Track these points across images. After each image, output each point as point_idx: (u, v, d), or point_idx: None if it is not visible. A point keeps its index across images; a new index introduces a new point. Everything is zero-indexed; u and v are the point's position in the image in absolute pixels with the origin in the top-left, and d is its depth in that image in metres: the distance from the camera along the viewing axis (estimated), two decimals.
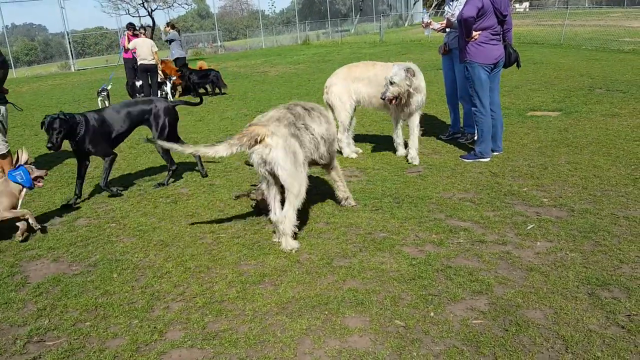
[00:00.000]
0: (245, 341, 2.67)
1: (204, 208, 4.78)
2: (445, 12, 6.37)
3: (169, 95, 12.27)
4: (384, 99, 5.43)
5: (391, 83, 5.32)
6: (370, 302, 2.95)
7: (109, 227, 4.46)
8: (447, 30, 6.31)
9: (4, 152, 5.59)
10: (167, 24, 14.79)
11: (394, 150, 6.09)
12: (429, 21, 6.64)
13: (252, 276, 3.38)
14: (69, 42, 29.36)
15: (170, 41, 14.06)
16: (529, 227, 3.78)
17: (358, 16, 41.13)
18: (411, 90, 5.40)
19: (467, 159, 5.58)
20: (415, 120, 5.69)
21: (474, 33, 5.22)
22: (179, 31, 14.32)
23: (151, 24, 26.79)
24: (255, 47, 34.49)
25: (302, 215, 4.36)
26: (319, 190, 4.98)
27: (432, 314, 2.80)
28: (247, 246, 3.86)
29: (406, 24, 40.83)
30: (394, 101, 5.43)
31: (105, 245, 4.09)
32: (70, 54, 29.29)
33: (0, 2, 27.96)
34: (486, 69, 5.34)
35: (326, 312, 2.88)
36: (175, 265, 3.64)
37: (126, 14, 29.17)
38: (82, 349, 2.72)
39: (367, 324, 2.75)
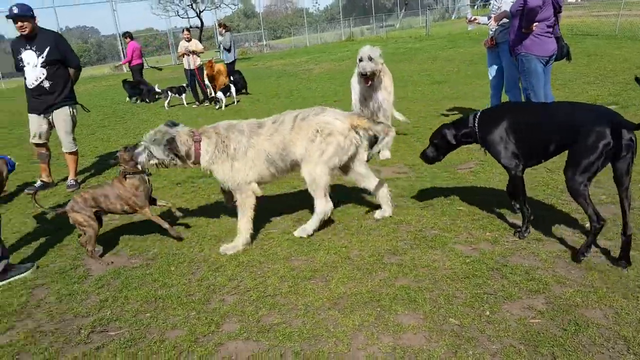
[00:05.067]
0: (299, 335, 2.71)
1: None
2: (491, 6, 6.24)
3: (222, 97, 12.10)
4: (365, 75, 5.60)
5: (370, 59, 5.54)
6: (424, 299, 2.93)
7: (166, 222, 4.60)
8: (494, 24, 6.17)
9: (74, 149, 5.87)
10: (220, 24, 14.85)
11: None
12: (472, 18, 6.52)
13: (303, 271, 3.42)
14: (121, 44, 30.35)
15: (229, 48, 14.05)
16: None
17: (403, 10, 40.69)
18: (381, 72, 5.69)
19: None
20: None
21: (533, 25, 5.08)
22: (230, 31, 14.45)
23: (199, 25, 27.33)
24: (299, 45, 34.69)
25: (351, 213, 4.38)
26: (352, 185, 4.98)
27: (487, 312, 2.76)
28: (297, 242, 3.90)
29: (453, 17, 40.09)
30: (369, 81, 5.66)
31: (162, 239, 4.22)
32: (122, 55, 30.29)
33: (56, 6, 29.25)
34: (542, 61, 5.19)
35: (378, 309, 2.88)
36: (228, 260, 3.73)
37: (175, 15, 29.92)
38: (143, 339, 2.84)
39: (420, 321, 2.74)
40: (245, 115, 9.90)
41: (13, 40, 5.83)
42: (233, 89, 11.98)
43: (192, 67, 12.51)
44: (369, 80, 5.64)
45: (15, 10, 5.30)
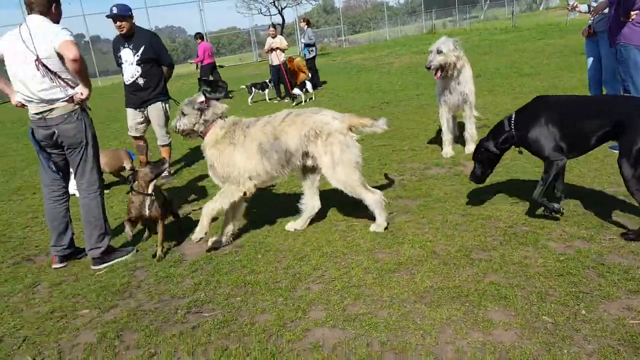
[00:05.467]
0: (385, 326, 2.72)
1: (337, 197, 4.90)
2: None
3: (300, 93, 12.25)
4: (429, 68, 5.49)
5: (438, 52, 5.36)
6: (515, 296, 2.84)
7: (251, 212, 4.76)
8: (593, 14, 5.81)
9: (168, 142, 6.23)
10: (303, 19, 15.04)
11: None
12: (574, 4, 6.16)
13: (387, 264, 3.42)
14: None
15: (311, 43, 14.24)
16: None
17: (488, 1, 39.22)
18: (458, 64, 5.46)
19: (617, 149, 5.11)
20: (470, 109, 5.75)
21: (632, 13, 4.74)
22: (311, 27, 14.63)
23: (281, 22, 27.89)
24: (379, 39, 34.47)
25: (435, 207, 4.32)
26: (453, 182, 4.89)
27: (583, 311, 2.63)
28: (381, 234, 3.90)
29: (541, 7, 38.13)
30: (439, 72, 5.49)
31: (249, 228, 4.37)
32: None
33: (148, 6, 30.92)
34: None
35: (467, 304, 2.83)
36: (312, 250, 3.80)
37: (258, 13, 30.70)
38: (234, 321, 2.97)
39: (512, 318, 2.66)
40: None
41: (114, 39, 6.23)
42: (309, 84, 12.09)
43: (275, 63, 12.80)
44: (437, 73, 5.54)
45: (115, 11, 5.66)
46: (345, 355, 2.52)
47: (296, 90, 11.88)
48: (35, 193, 6.36)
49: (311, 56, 14.01)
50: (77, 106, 3.77)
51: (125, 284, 3.64)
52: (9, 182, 7.34)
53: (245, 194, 3.97)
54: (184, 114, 4.06)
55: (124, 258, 4.04)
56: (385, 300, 2.97)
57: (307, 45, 14.09)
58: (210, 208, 3.93)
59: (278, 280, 3.40)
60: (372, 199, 3.93)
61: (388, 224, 3.99)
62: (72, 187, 4.35)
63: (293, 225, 4.25)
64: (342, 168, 3.86)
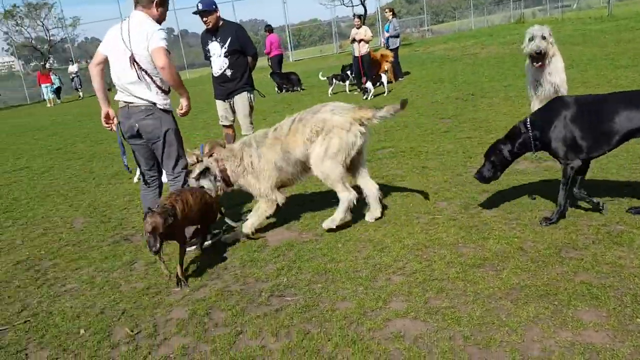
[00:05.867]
0: (468, 320, 2.68)
1: (418, 189, 4.87)
2: None
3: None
4: (539, 53, 5.28)
5: (543, 37, 5.20)
6: (607, 297, 2.69)
7: (330, 202, 4.82)
8: None
9: (252, 132, 6.44)
10: (388, 9, 14.91)
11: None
12: None
13: (471, 259, 3.35)
14: (289, 35, 32.14)
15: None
16: None
17: None
18: (550, 52, 5.30)
19: None
20: None
21: None
22: (396, 16, 14.50)
23: (363, 13, 27.77)
24: (463, 28, 33.42)
25: (524, 203, 4.17)
26: (542, 176, 4.69)
27: None
28: (465, 229, 3.83)
29: None
30: (539, 62, 5.34)
31: (327, 217, 4.42)
32: (289, 46, 32.07)
33: (234, 0, 31.81)
34: None
35: (555, 303, 2.72)
36: (393, 241, 3.80)
37: (341, 4, 30.72)
38: (316, 306, 3.04)
39: (603, 319, 2.53)
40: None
41: (202, 33, 6.48)
42: (384, 78, 11.93)
43: (357, 54, 12.79)
44: (540, 60, 5.29)
45: (200, 7, 5.88)
46: (427, 347, 2.52)
47: (368, 85, 11.78)
48: (130, 178, 6.81)
49: (395, 47, 13.87)
50: (157, 105, 3.93)
51: (213, 265, 3.83)
52: (108, 168, 7.91)
53: (278, 205, 4.25)
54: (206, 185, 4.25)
55: (212, 242, 4.24)
56: (469, 295, 2.92)
57: (392, 37, 13.95)
58: (249, 226, 4.20)
59: (358, 270, 3.43)
60: (346, 196, 4.06)
61: (338, 227, 4.11)
62: (164, 175, 4.61)
63: (371, 215, 4.27)
64: (330, 163, 3.97)
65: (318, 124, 3.98)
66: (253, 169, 4.16)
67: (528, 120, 3.74)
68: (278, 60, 15.66)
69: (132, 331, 3.04)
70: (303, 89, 14.90)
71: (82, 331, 3.11)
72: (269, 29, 16.25)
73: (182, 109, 4.04)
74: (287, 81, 15.16)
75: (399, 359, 2.46)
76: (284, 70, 16.05)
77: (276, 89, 15.23)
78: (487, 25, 32.54)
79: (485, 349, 2.45)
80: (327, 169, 3.98)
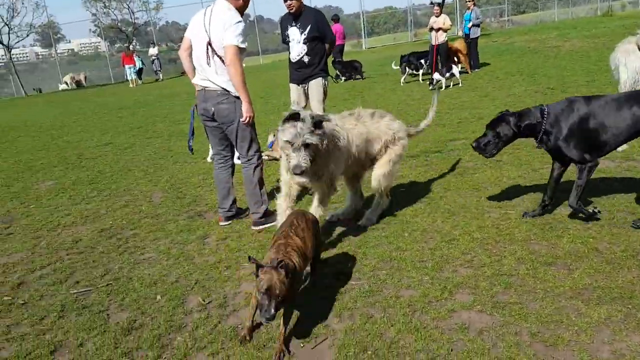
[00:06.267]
0: (536, 317, 2.62)
1: (490, 183, 4.76)
2: None
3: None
4: None
5: None
6: None
7: (398, 191, 4.83)
8: None
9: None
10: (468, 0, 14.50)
11: None
12: None
13: (543, 256, 3.26)
14: (363, 22, 31.91)
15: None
16: None
17: None
18: None
19: None
20: None
21: None
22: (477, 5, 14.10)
23: (441, 1, 27.08)
24: (546, 20, 31.83)
25: (603, 204, 3.99)
26: (622, 176, 4.45)
27: None
28: (538, 226, 3.72)
29: None
30: None
31: (395, 207, 4.42)
32: (363, 33, 31.87)
33: None
34: None
35: (629, 306, 2.61)
36: (462, 234, 3.75)
37: None
38: (380, 292, 3.07)
39: None
40: (481, 93, 9.60)
41: (282, 17, 6.57)
42: (456, 69, 11.56)
43: (434, 42, 12.56)
44: None
45: None
46: (491, 340, 2.49)
47: (436, 75, 11.48)
48: (204, 158, 7.09)
49: (476, 36, 13.50)
50: (231, 92, 4.03)
51: None
52: (184, 147, 8.23)
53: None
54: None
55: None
56: (539, 293, 2.86)
57: (474, 25, 13.57)
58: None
59: (424, 260, 3.43)
60: (387, 203, 4.27)
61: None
62: (236, 157, 4.77)
63: (342, 214, 4.39)
64: (393, 169, 4.16)
65: (394, 129, 4.12)
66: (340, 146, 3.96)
67: (545, 110, 3.66)
68: (340, 49, 16.21)
69: (204, 300, 3.21)
70: (364, 78, 14.96)
71: (158, 297, 3.32)
72: (336, 18, 16.73)
73: (243, 119, 4.03)
74: (350, 69, 15.26)
75: (463, 349, 2.46)
76: (345, 59, 16.30)
77: (335, 76, 15.33)
78: (571, 17, 30.82)
79: (553, 347, 2.40)
80: (387, 177, 4.13)
